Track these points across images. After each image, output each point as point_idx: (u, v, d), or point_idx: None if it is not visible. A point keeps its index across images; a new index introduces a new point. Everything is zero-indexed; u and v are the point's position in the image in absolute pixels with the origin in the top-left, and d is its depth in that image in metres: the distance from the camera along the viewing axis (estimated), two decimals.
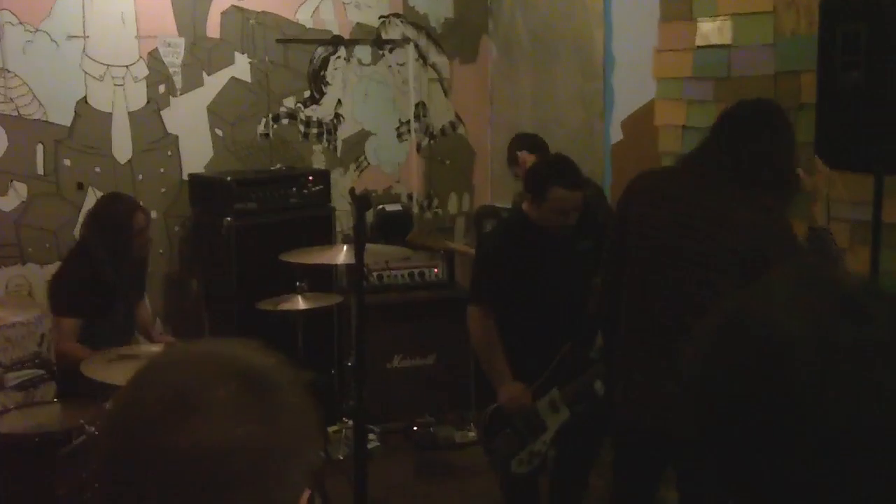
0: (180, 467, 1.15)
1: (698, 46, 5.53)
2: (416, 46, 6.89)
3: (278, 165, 6.32)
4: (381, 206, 6.51)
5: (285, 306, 5.19)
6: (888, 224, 4.54)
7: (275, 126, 6.45)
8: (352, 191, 4.25)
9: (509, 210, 5.99)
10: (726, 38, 5.41)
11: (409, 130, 6.92)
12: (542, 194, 4.27)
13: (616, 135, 6.54)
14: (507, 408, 4.26)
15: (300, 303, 5.21)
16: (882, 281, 4.45)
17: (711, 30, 5.47)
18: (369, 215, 6.64)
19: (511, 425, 4.28)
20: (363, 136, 6.77)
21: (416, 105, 6.93)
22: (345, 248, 4.95)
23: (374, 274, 6.23)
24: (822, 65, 4.36)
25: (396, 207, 6.58)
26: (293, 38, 6.43)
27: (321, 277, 5.63)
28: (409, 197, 6.97)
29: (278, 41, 6.40)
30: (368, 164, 6.80)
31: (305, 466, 1.24)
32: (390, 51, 6.79)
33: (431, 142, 7.03)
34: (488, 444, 4.37)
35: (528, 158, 5.74)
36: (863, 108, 4.18)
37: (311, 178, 6.11)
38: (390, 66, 6.82)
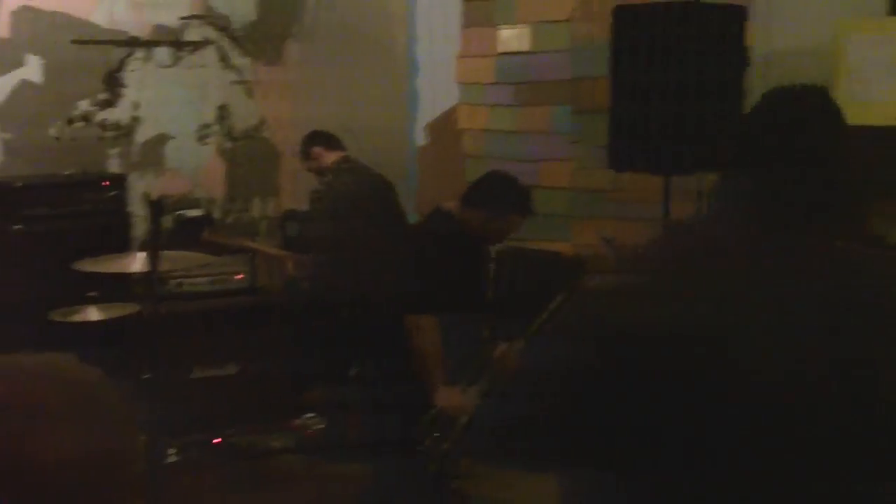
0: None
1: (499, 53, 5.62)
2: (218, 48, 6.76)
3: (72, 170, 6.07)
4: (179, 212, 6.34)
5: (78, 317, 4.98)
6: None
7: (68, 129, 6.21)
8: (145, 196, 4.11)
9: (310, 209, 5.93)
10: (526, 45, 5.53)
11: (210, 133, 6.78)
12: (504, 215, 4.24)
13: (421, 138, 6.60)
14: (450, 410, 4.23)
15: (94, 313, 5.01)
16: None
17: (511, 36, 5.57)
18: (167, 221, 6.47)
19: (441, 429, 4.25)
20: (162, 139, 6.60)
21: (219, 107, 6.79)
22: (140, 255, 4.79)
23: (174, 281, 6.05)
24: (615, 69, 4.50)
25: (197, 212, 6.43)
26: (88, 38, 6.21)
27: (119, 286, 5.43)
28: (211, 201, 6.82)
29: (73, 42, 6.16)
30: (168, 167, 6.63)
31: None
32: (191, 52, 6.64)
33: (234, 145, 6.90)
34: (421, 450, 4.31)
35: (323, 154, 5.81)
36: (654, 112, 4.35)
37: (105, 182, 5.90)
38: (191, 68, 6.66)
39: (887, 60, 4.67)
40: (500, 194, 4.28)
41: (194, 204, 6.68)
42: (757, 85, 5.27)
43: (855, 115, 4.79)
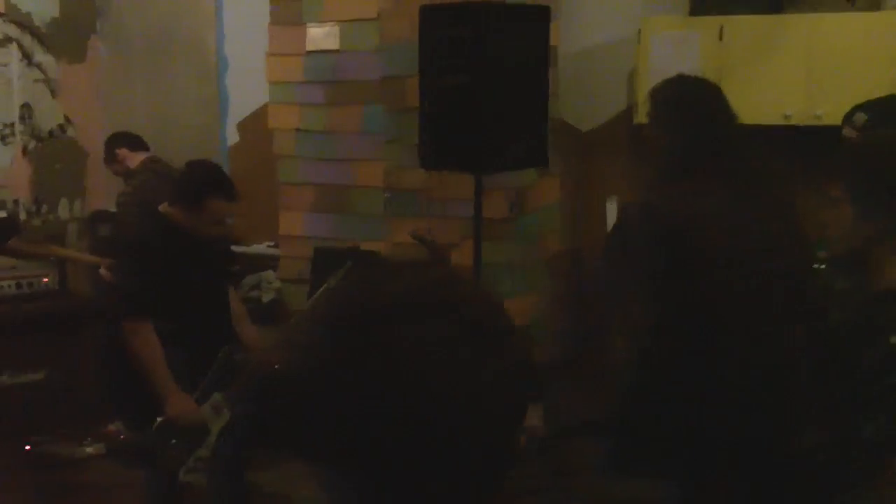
0: None
1: (308, 51, 5.46)
2: (20, 46, 6.35)
3: None
4: None
5: None
6: (488, 219, 4.67)
7: None
8: None
9: (119, 212, 5.64)
10: (334, 44, 5.38)
11: (13, 133, 6.37)
12: (199, 204, 3.97)
13: (233, 137, 6.37)
14: (178, 420, 3.95)
15: None
16: (484, 272, 4.56)
17: (320, 35, 5.41)
18: None
19: (178, 436, 3.98)
20: None
21: (21, 106, 6.39)
22: None
23: None
24: (424, 69, 4.41)
25: (2, 214, 6.03)
26: None
27: None
28: (16, 203, 6.41)
29: None
30: None
31: None
32: None
33: (39, 145, 6.51)
34: (157, 458, 4.04)
35: (128, 156, 5.58)
36: (463, 112, 4.27)
37: None
38: None
39: (689, 59, 4.74)
40: (195, 182, 4.10)
41: None
42: (563, 83, 5.31)
43: None
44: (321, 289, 4.32)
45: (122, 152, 5.64)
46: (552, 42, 4.96)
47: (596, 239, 5.35)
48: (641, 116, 4.83)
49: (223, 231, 4.16)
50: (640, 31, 4.96)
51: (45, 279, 5.88)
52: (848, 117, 3.81)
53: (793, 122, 4.65)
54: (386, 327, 1.09)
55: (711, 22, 4.75)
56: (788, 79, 4.66)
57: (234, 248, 5.46)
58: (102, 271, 5.22)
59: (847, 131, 3.78)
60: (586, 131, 5.46)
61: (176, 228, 4.01)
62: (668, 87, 3.30)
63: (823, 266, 3.14)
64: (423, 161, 4.47)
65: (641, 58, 4.92)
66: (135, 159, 5.65)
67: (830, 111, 4.27)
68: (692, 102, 3.24)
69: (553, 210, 5.45)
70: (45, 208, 6.60)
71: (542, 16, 4.47)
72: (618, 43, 5.25)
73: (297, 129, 5.55)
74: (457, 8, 4.35)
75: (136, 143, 5.71)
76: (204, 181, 4.04)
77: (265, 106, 5.78)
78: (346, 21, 5.33)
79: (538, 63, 4.45)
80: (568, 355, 5.05)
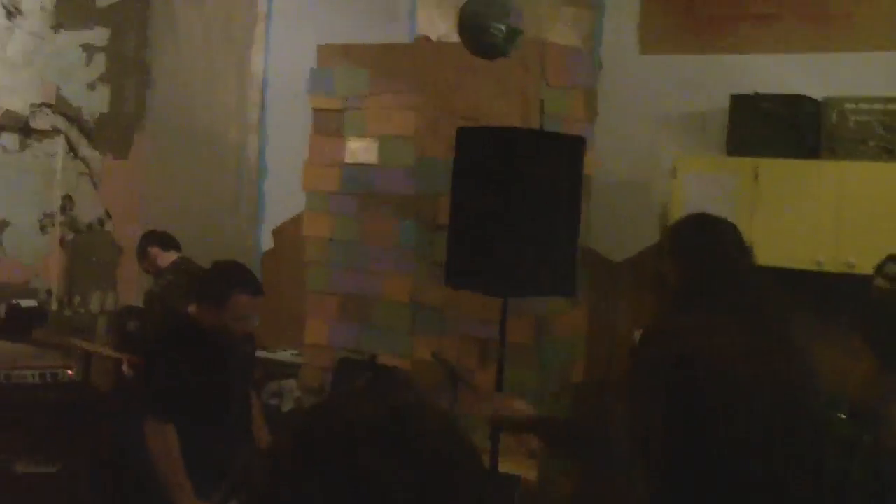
0: None
1: (346, 163, 5.49)
2: (67, 138, 6.45)
3: None
4: (14, 301, 5.95)
5: None
6: (513, 343, 4.61)
7: None
8: None
9: (146, 309, 5.63)
10: (372, 158, 5.41)
11: (52, 223, 6.42)
12: (223, 301, 3.94)
13: (267, 243, 6.39)
14: None
15: None
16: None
17: (359, 148, 5.45)
18: (1, 309, 6.08)
19: None
20: (1, 225, 6.21)
21: (63, 198, 6.45)
22: None
23: (2, 372, 5.62)
24: (456, 189, 4.40)
25: (32, 303, 6.05)
26: None
27: None
28: (49, 292, 6.43)
29: None
30: (6, 254, 6.23)
31: None
32: (39, 140, 6.31)
33: (77, 237, 6.55)
34: None
35: (159, 254, 5.58)
36: (492, 233, 4.24)
37: None
38: (37, 157, 6.33)
39: (723, 198, 4.70)
40: (220, 279, 4.07)
41: (31, 294, 6.30)
42: (596, 213, 5.28)
43: None
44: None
45: (154, 251, 5.66)
46: (586, 171, 4.96)
47: (623, 371, 5.27)
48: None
49: (248, 328, 4.11)
50: (675, 168, 4.93)
51: (70, 371, 5.85)
52: (880, 267, 3.74)
53: (825, 268, 4.56)
54: (344, 453, 1.13)
55: (747, 163, 4.71)
56: (821, 224, 4.59)
57: (258, 353, 5.43)
58: (125, 368, 5.19)
59: (879, 282, 3.71)
60: (617, 262, 5.40)
61: (202, 331, 3.97)
62: (685, 224, 3.36)
63: (843, 416, 3.05)
64: (450, 279, 4.44)
65: (675, 194, 4.89)
66: (166, 259, 5.67)
67: (863, 260, 4.20)
68: (706, 239, 3.25)
69: (580, 339, 5.37)
70: (76, 300, 6.61)
71: (577, 146, 4.47)
72: (653, 177, 5.23)
73: (330, 239, 5.55)
74: (493, 131, 4.37)
75: (168, 242, 5.72)
76: (228, 277, 4.03)
77: (300, 214, 5.81)
78: (384, 136, 5.38)
79: (570, 191, 4.43)
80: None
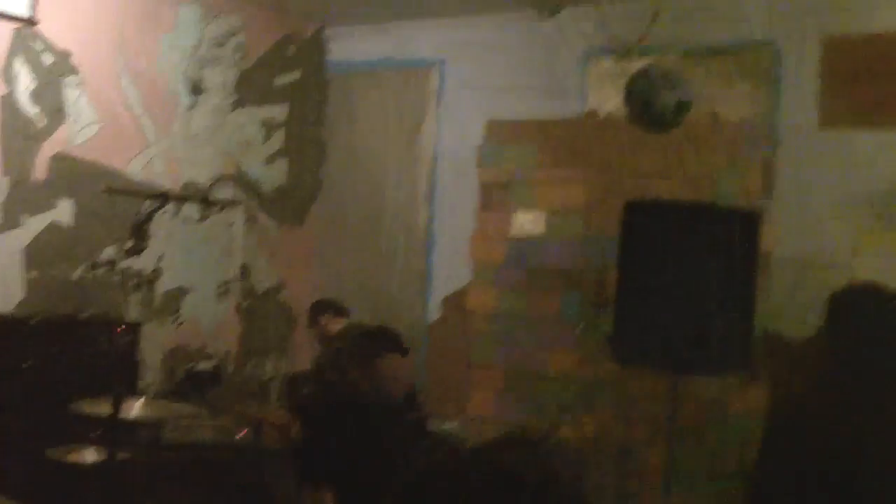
0: None
1: (513, 236, 5.43)
2: (246, 209, 6.62)
3: (89, 312, 5.85)
4: (191, 364, 6.10)
5: (73, 457, 4.70)
6: (683, 422, 4.42)
7: (92, 273, 6.02)
8: None
9: (315, 375, 5.67)
10: (539, 230, 5.34)
11: (229, 290, 6.57)
12: (373, 361, 3.97)
13: (434, 313, 6.37)
14: None
15: (90, 454, 4.72)
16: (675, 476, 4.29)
17: (526, 221, 5.38)
18: (179, 372, 6.23)
19: None
20: (182, 291, 6.39)
21: (241, 266, 6.61)
22: (139, 402, 4.56)
23: (178, 432, 5.73)
24: (624, 263, 4.28)
25: (207, 366, 6.18)
26: (121, 188, 6.07)
27: (123, 430, 5.13)
28: (225, 357, 6.56)
29: (105, 190, 6.02)
30: (185, 319, 6.40)
31: None
32: (219, 211, 6.49)
33: (252, 303, 6.69)
34: None
35: (329, 321, 5.63)
36: (661, 309, 4.09)
37: (120, 328, 5.67)
38: (217, 226, 6.50)
39: None
40: (368, 343, 4.03)
41: (207, 357, 6.45)
42: (774, 291, 5.03)
43: None
44: None
45: (325, 318, 5.75)
46: (765, 248, 4.75)
47: None
48: None
49: (404, 389, 4.11)
50: (856, 246, 4.67)
51: (242, 432, 5.91)
52: None
53: None
54: None
55: None
56: None
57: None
58: (293, 432, 5.21)
59: None
60: (798, 342, 5.13)
61: (362, 398, 3.96)
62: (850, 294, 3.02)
63: None
64: (617, 355, 4.30)
65: (857, 273, 4.63)
66: (335, 325, 5.71)
67: None
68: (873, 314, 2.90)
69: (756, 421, 5.10)
70: (251, 364, 6.72)
71: (752, 220, 4.29)
72: (834, 255, 4.96)
73: (495, 311, 5.48)
74: (661, 204, 4.24)
75: (338, 309, 5.80)
76: (375, 339, 4.05)
77: (467, 286, 5.77)
78: (552, 210, 5.30)
79: (745, 267, 4.25)
80: None
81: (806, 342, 5.06)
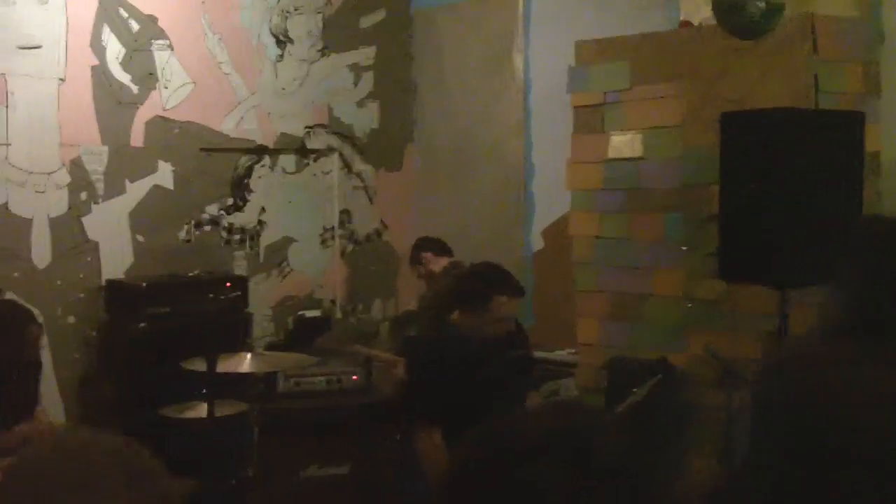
0: None
1: (609, 159, 5.28)
2: (341, 155, 6.61)
3: (196, 271, 5.94)
4: (300, 312, 6.16)
5: (188, 414, 4.80)
6: (796, 335, 4.26)
7: (197, 233, 6.11)
8: None
9: (420, 314, 5.67)
10: (637, 151, 5.17)
11: (332, 237, 6.60)
12: (485, 304, 3.91)
13: (537, 243, 6.27)
14: None
15: (204, 410, 4.80)
16: None
17: (622, 143, 5.22)
18: (289, 321, 6.30)
19: None
20: (286, 242, 6.45)
21: (341, 212, 6.62)
22: (249, 356, 4.62)
23: (291, 380, 5.80)
24: (725, 177, 4.12)
25: (316, 313, 6.23)
26: (217, 146, 6.12)
27: (237, 384, 5.23)
28: (332, 302, 6.61)
29: (202, 150, 6.08)
30: (291, 269, 6.46)
31: None
32: (315, 160, 6.50)
33: (356, 248, 6.70)
34: None
35: (431, 259, 5.62)
36: (766, 221, 3.93)
37: (228, 283, 5.74)
38: (315, 175, 6.52)
39: None
40: (480, 283, 3.91)
41: (315, 305, 6.50)
42: (886, 191, 4.80)
43: None
44: (629, 399, 4.08)
45: (427, 256, 5.74)
46: (872, 148, 4.52)
47: None
48: None
49: (507, 330, 4.03)
50: None
51: (355, 377, 5.96)
52: None
53: None
54: (511, 469, 1.15)
55: None
56: None
57: (537, 353, 5.34)
58: (397, 371, 5.22)
59: None
60: None
61: (467, 336, 3.91)
62: (878, 226, 2.47)
63: None
64: (723, 272, 4.15)
65: None
66: (438, 263, 5.68)
67: None
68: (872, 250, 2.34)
69: None
70: (359, 308, 6.76)
71: (855, 122, 4.07)
72: None
73: (597, 237, 5.35)
74: (758, 114, 4.05)
75: (440, 247, 5.77)
76: (487, 280, 3.97)
77: (568, 213, 5.65)
78: (648, 128, 5.13)
79: (850, 172, 4.04)
80: None
81: None
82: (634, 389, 4.12)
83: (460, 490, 1.21)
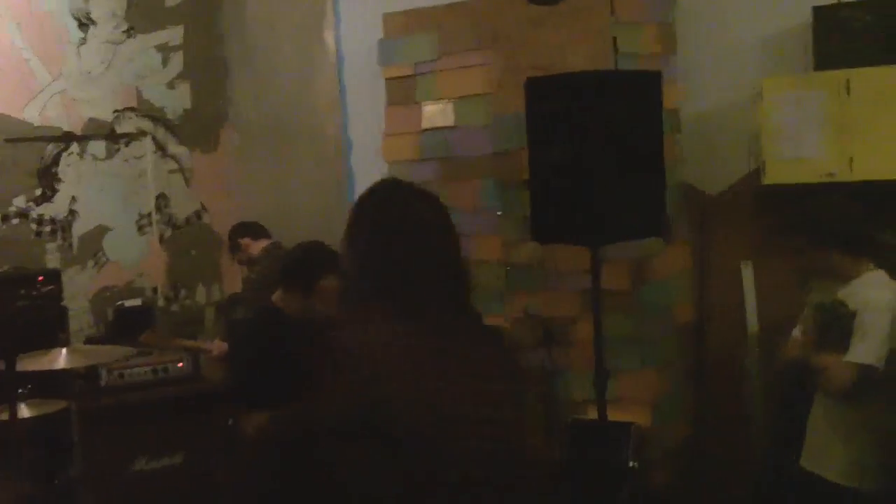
0: None
1: (423, 129, 5.28)
2: (154, 139, 6.39)
3: (6, 267, 5.65)
4: (119, 302, 5.94)
5: (4, 416, 4.56)
6: (609, 291, 4.37)
7: (4, 227, 5.81)
8: None
9: (244, 297, 5.56)
10: (448, 120, 5.19)
11: (150, 223, 6.38)
12: (312, 285, 3.78)
13: None
14: None
15: (24, 411, 4.59)
16: (607, 346, 4.26)
17: (434, 112, 5.23)
18: (108, 312, 6.07)
19: None
20: (101, 231, 6.19)
21: (157, 197, 6.40)
22: (63, 351, 4.42)
23: (115, 372, 5.59)
24: (532, 142, 4.16)
25: (136, 302, 6.02)
26: (21, 136, 5.83)
27: (57, 381, 5.01)
28: (154, 290, 6.40)
29: (6, 140, 5.78)
30: (108, 259, 6.21)
31: None
32: (126, 144, 6.26)
33: (175, 233, 6.50)
34: None
35: (250, 244, 5.55)
36: (574, 183, 3.99)
37: (40, 277, 5.49)
38: (127, 160, 6.28)
39: (813, 116, 4.36)
40: (305, 265, 3.85)
41: (137, 294, 6.28)
42: (687, 147, 4.96)
43: (784, 173, 4.49)
44: None
45: (245, 241, 5.67)
46: (672, 106, 4.66)
47: (727, 307, 4.96)
48: (769, 177, 4.47)
49: (332, 310, 3.96)
50: (761, 91, 4.57)
51: (181, 363, 5.79)
52: None
53: None
54: None
55: (837, 77, 4.34)
56: None
57: None
58: (215, 354, 5.16)
59: None
60: (713, 195, 5.07)
61: (288, 318, 3.82)
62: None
63: None
64: (536, 235, 4.21)
65: (763, 118, 4.55)
66: (257, 247, 5.59)
67: None
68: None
69: (683, 279, 5.07)
70: (182, 294, 6.57)
71: (653, 81, 4.17)
72: (740, 103, 4.88)
73: None
74: (561, 78, 4.10)
75: (257, 231, 5.69)
76: (313, 260, 3.85)
77: None
78: (458, 97, 5.15)
79: (651, 129, 4.14)
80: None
81: (722, 195, 5.02)
82: None
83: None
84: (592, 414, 4.40)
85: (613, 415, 4.34)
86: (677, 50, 4.96)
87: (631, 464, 4.38)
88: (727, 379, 4.91)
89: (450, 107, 5.19)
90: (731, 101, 4.91)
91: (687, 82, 4.95)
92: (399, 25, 5.43)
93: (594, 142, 3.96)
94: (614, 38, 4.70)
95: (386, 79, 5.52)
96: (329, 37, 6.20)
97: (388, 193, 2.46)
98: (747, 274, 4.89)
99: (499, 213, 5.04)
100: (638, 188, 4.05)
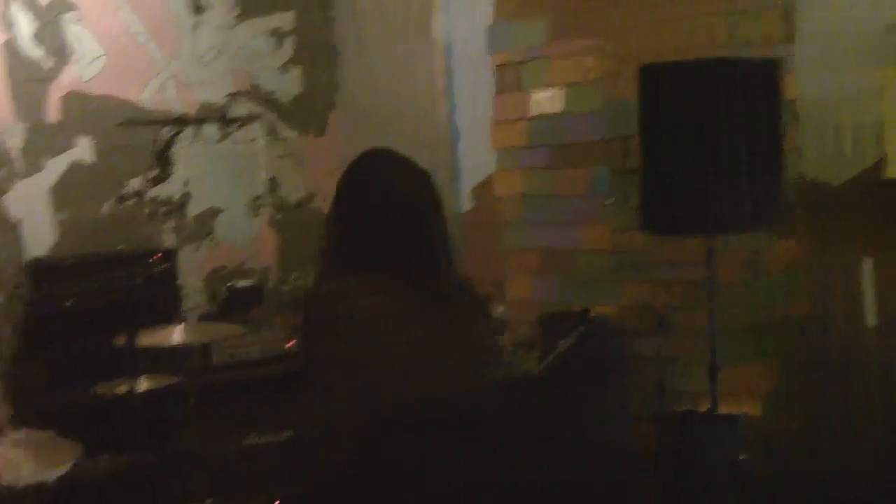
0: None
1: (532, 116, 5.25)
2: (265, 122, 6.48)
3: (121, 246, 5.80)
4: (231, 283, 6.05)
5: (123, 389, 4.70)
6: (722, 283, 4.29)
7: (121, 207, 5.96)
8: None
9: None
10: (558, 107, 5.15)
11: (261, 206, 6.48)
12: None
13: (466, 204, 6.23)
14: None
15: (141, 384, 4.72)
16: (719, 338, 4.19)
17: (544, 99, 5.19)
18: (221, 291, 6.19)
19: None
20: (213, 212, 6.31)
21: (269, 180, 6.50)
22: (179, 328, 4.54)
23: (226, 350, 5.70)
24: (645, 129, 4.10)
25: (248, 282, 6.13)
26: (136, 119, 5.96)
27: (170, 357, 5.13)
28: (265, 271, 6.51)
29: (121, 124, 5.91)
30: (220, 240, 6.33)
31: None
32: (238, 128, 6.36)
33: (285, 216, 6.60)
34: None
35: None
36: (685, 172, 3.92)
37: (155, 256, 5.61)
38: (238, 143, 6.38)
39: None
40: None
41: (248, 274, 6.40)
42: (806, 138, 4.82)
43: None
44: (553, 353, 4.08)
45: None
46: (789, 96, 4.53)
47: (844, 301, 4.83)
48: (893, 170, 4.33)
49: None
50: (883, 84, 4.40)
51: (290, 343, 5.87)
52: None
53: None
54: None
55: None
56: None
57: None
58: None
59: None
60: (833, 187, 4.92)
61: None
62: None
63: None
64: (646, 224, 4.15)
65: (887, 109, 4.39)
66: None
67: None
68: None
69: (797, 271, 4.94)
70: (293, 276, 6.67)
71: (772, 69, 4.06)
72: (862, 94, 4.71)
73: (523, 194, 5.33)
74: (676, 66, 4.03)
75: None
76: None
77: (493, 173, 5.61)
78: (569, 83, 5.10)
79: (769, 118, 4.04)
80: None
81: (845, 186, 4.87)
82: (561, 341, 4.12)
83: None
84: (703, 405, 4.34)
85: (724, 406, 4.27)
86: (796, 37, 4.82)
87: (741, 456, 4.30)
88: (841, 374, 4.78)
89: (560, 93, 5.15)
90: (852, 91, 4.75)
91: (806, 71, 4.80)
92: (510, 9, 5.41)
93: (709, 130, 3.89)
94: (732, 25, 4.60)
95: (495, 65, 5.50)
96: (437, 23, 6.20)
97: (361, 164, 2.94)
98: (867, 268, 4.75)
99: (608, 201, 4.98)
100: (754, 178, 3.96)
